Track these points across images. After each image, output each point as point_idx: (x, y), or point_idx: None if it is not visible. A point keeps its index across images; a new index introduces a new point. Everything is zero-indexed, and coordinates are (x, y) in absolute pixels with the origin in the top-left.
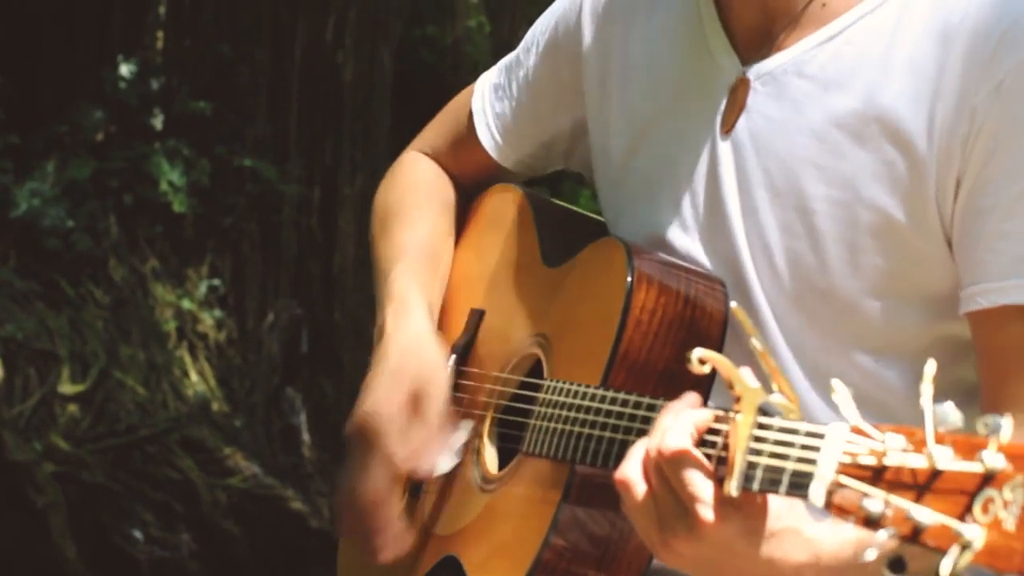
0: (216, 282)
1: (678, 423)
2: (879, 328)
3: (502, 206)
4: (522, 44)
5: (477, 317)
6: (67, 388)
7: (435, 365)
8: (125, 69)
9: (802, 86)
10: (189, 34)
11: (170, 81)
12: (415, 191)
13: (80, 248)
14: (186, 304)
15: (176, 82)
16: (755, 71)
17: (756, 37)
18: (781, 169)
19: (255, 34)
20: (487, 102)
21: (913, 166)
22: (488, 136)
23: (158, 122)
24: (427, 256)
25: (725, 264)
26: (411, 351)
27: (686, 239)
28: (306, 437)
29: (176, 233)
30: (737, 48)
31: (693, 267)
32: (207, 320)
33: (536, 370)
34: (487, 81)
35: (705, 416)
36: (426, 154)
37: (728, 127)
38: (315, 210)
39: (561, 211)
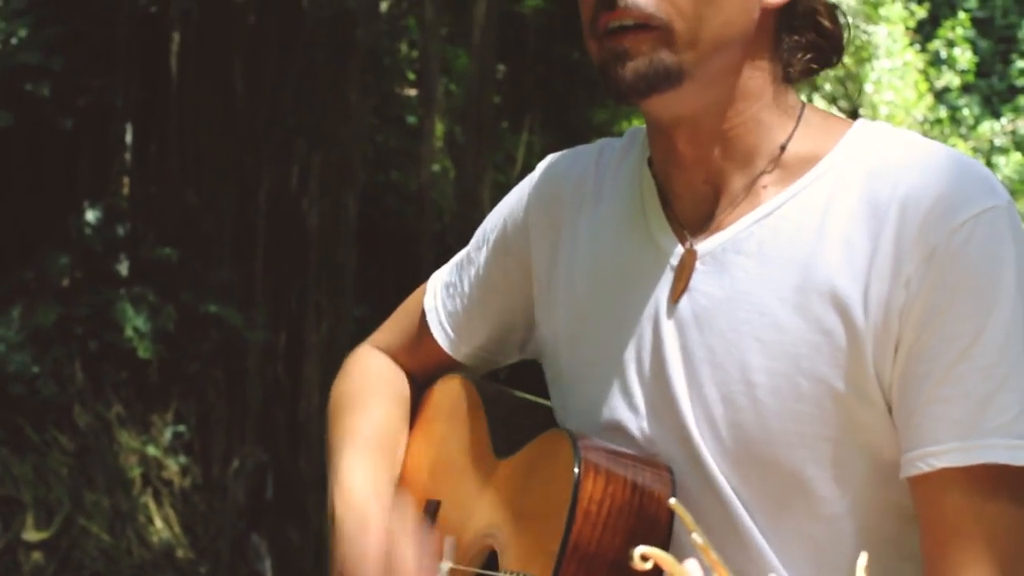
0: (181, 428)
1: None
2: (828, 496)
3: (453, 397)
4: (472, 241)
5: (434, 508)
6: (31, 535)
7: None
8: (91, 215)
9: (742, 263)
10: (155, 181)
11: (136, 227)
12: (369, 382)
13: (45, 394)
14: (151, 450)
15: (142, 228)
16: (697, 251)
17: (698, 219)
18: (724, 345)
19: (220, 181)
20: (439, 300)
21: (852, 337)
22: (441, 332)
23: (124, 268)
24: (378, 442)
25: (675, 440)
26: (357, 541)
27: (635, 418)
28: None
29: (141, 379)
30: (679, 231)
31: (640, 454)
32: (172, 466)
33: (492, 562)
34: (439, 279)
35: None
36: (381, 349)
37: (674, 301)
38: (280, 357)
39: (511, 400)
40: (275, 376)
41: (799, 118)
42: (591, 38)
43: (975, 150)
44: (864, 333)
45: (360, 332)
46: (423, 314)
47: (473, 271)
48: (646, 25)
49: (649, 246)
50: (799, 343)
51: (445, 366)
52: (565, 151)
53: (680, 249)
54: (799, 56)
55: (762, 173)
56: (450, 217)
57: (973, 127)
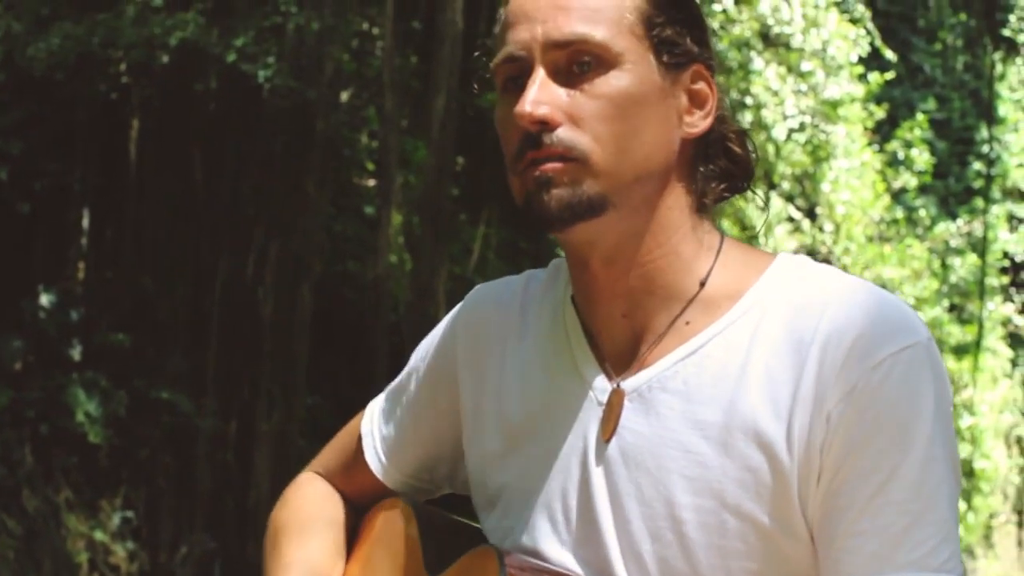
0: (130, 514)
1: None
2: None
3: (389, 519)
4: (406, 369)
5: None
6: None
7: None
8: (45, 299)
9: (668, 400)
10: (110, 266)
11: (90, 312)
12: (307, 510)
13: None
14: (99, 535)
15: (96, 313)
16: (624, 389)
17: (623, 356)
18: (651, 481)
19: (176, 268)
20: (375, 425)
21: (776, 472)
22: (375, 459)
23: (77, 353)
24: (314, 572)
25: (599, 573)
26: None
27: (560, 551)
28: None
29: (91, 464)
30: (605, 366)
31: (564, 571)
32: (120, 552)
33: None
34: (376, 405)
35: None
36: (320, 474)
37: (607, 438)
38: (231, 445)
39: (446, 521)
40: (225, 464)
41: (719, 251)
42: (513, 175)
43: (931, 251)
44: (788, 469)
45: (312, 421)
46: (359, 439)
47: (405, 399)
48: (565, 157)
49: (577, 381)
50: (724, 480)
51: (379, 492)
52: (492, 282)
53: (608, 386)
54: (713, 186)
55: (684, 308)
56: (405, 309)
57: (929, 228)
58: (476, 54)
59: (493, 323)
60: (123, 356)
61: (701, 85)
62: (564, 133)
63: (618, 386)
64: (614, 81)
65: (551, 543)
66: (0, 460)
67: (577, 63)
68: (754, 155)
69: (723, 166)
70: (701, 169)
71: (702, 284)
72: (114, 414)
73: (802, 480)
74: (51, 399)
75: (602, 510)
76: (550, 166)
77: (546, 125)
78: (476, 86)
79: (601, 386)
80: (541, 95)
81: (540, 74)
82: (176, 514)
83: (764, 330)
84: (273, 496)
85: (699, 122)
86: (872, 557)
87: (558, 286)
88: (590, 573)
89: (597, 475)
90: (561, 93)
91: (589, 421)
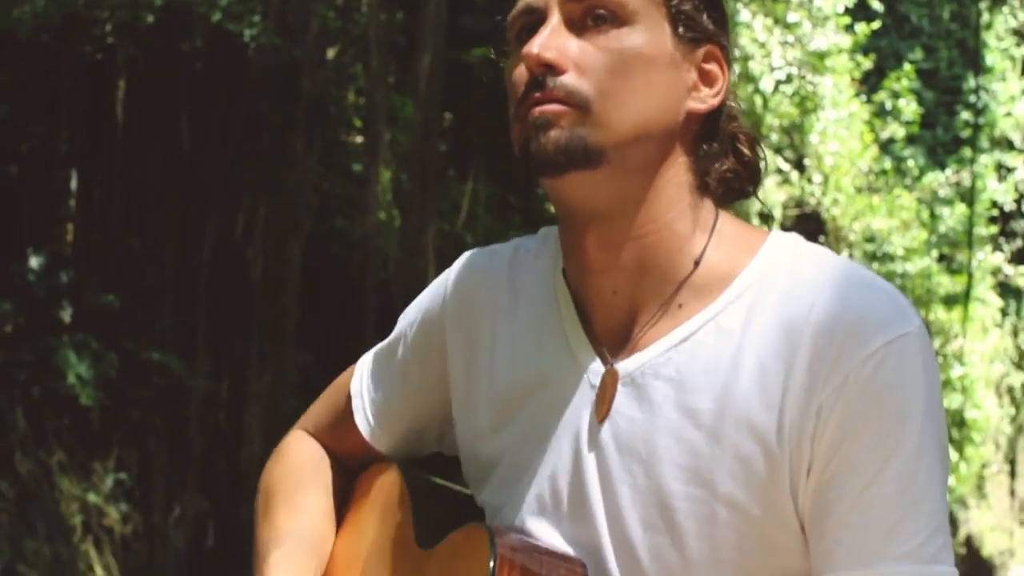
0: (122, 476)
1: None
2: None
3: (381, 487)
4: (394, 332)
5: None
6: None
7: None
8: (35, 261)
9: (660, 387)
10: (99, 228)
11: (79, 274)
12: (298, 473)
13: None
14: (92, 498)
15: (85, 275)
16: (618, 372)
17: (616, 337)
18: (643, 468)
19: (165, 228)
20: (364, 387)
21: (768, 462)
22: (364, 421)
23: (67, 315)
24: (306, 541)
25: (588, 557)
26: None
27: (550, 531)
28: None
29: (83, 426)
30: (598, 347)
31: (556, 550)
32: (113, 514)
33: None
34: (366, 365)
35: None
36: (310, 432)
37: (600, 420)
38: (222, 405)
39: (438, 490)
40: (217, 424)
41: (712, 230)
42: (515, 122)
43: (920, 201)
44: (780, 458)
45: (303, 380)
46: (348, 399)
47: (394, 365)
48: (566, 101)
49: (569, 361)
50: (716, 469)
51: (369, 453)
52: (480, 249)
53: (601, 368)
54: (716, 167)
55: (677, 290)
56: (394, 266)
57: (918, 178)
58: (499, 17)
59: (482, 293)
60: (113, 318)
61: (713, 66)
62: (569, 79)
63: (611, 368)
64: (626, 37)
65: (540, 524)
66: None
67: (592, 16)
68: (762, 161)
69: (731, 165)
70: (705, 149)
71: (696, 264)
72: (105, 376)
73: (793, 470)
74: (42, 362)
75: (593, 494)
76: (550, 108)
77: (552, 69)
78: (495, 54)
79: (594, 367)
80: (552, 40)
81: (555, 19)
82: (169, 475)
83: (756, 317)
84: (265, 455)
85: (708, 99)
86: (863, 550)
87: (547, 256)
88: (579, 555)
89: (589, 459)
90: (572, 42)
91: (581, 403)
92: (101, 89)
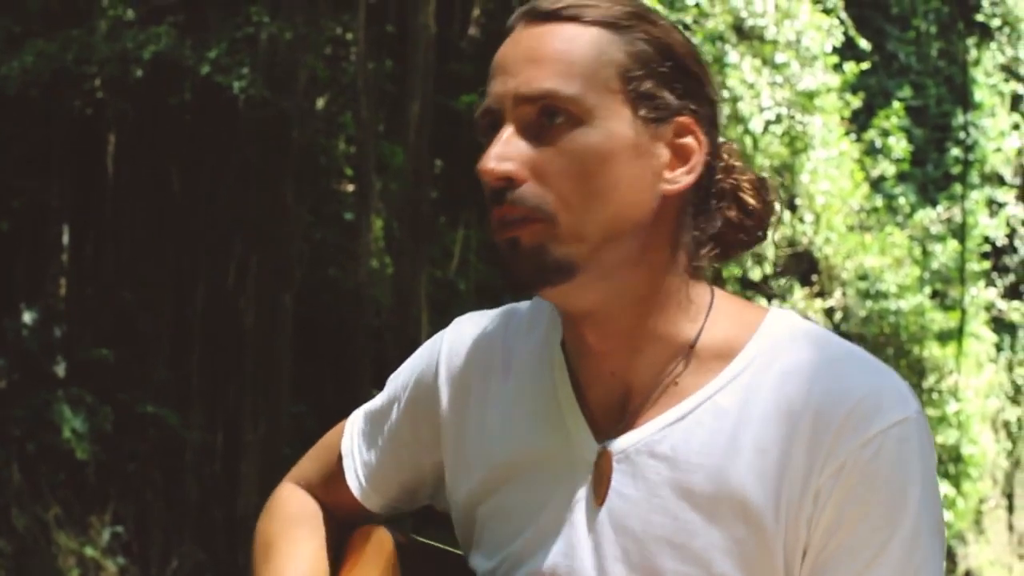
0: (119, 529)
1: None
2: None
3: (371, 551)
4: (385, 393)
5: None
6: None
7: None
8: (28, 316)
9: (655, 466)
10: (91, 281)
11: (72, 328)
12: (294, 523)
13: None
14: (89, 551)
15: (79, 329)
16: (612, 452)
17: (612, 414)
18: (637, 546)
19: (157, 281)
20: (355, 447)
21: (762, 542)
22: (355, 480)
23: (61, 369)
24: None
25: None
26: None
27: None
28: None
29: (79, 480)
30: (593, 424)
31: None
32: (111, 567)
33: None
34: (356, 423)
35: None
36: (301, 486)
37: (600, 502)
38: (218, 456)
39: (428, 554)
40: (212, 475)
41: (710, 307)
42: (494, 232)
43: (912, 238)
44: (775, 539)
45: (297, 429)
46: (339, 458)
47: (386, 428)
48: (529, 217)
49: (563, 436)
50: (711, 549)
51: (359, 511)
52: (473, 315)
53: (595, 446)
54: (706, 250)
55: (674, 368)
56: (388, 313)
57: (909, 215)
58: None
59: (475, 359)
60: (107, 371)
61: (688, 139)
62: (528, 190)
63: (605, 448)
64: (582, 138)
65: None
66: None
67: (547, 118)
68: (772, 202)
69: (734, 217)
70: (694, 225)
71: (691, 347)
72: (100, 429)
73: (788, 550)
74: (37, 416)
75: (587, 573)
76: (516, 231)
77: (511, 181)
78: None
79: (589, 445)
80: (505, 150)
81: (508, 130)
82: (165, 527)
83: (754, 397)
84: (261, 504)
85: (681, 178)
86: None
87: (542, 327)
88: None
89: (584, 536)
90: (529, 148)
91: (577, 481)
92: (91, 143)
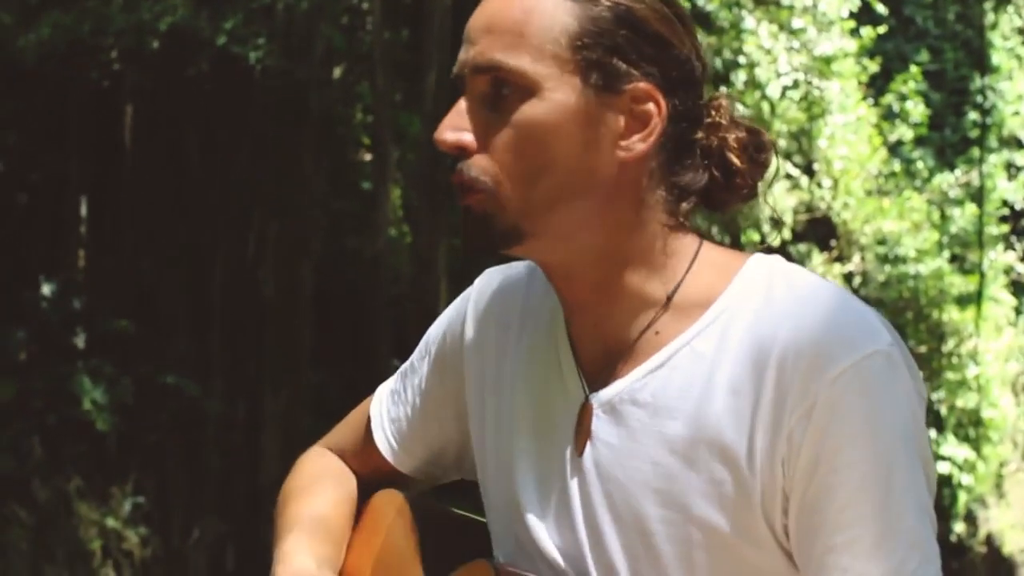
0: (141, 499)
1: None
2: None
3: (387, 514)
4: (417, 350)
5: None
6: None
7: None
8: (47, 289)
9: (636, 413)
10: (110, 253)
11: (92, 300)
12: (318, 478)
13: (3, 470)
14: (111, 522)
15: (98, 301)
16: (597, 399)
17: (599, 366)
18: (622, 494)
19: (176, 252)
20: (384, 407)
21: (739, 483)
22: (384, 442)
23: (81, 341)
24: (324, 527)
25: None
26: None
27: (554, 556)
28: None
29: (100, 451)
30: (584, 376)
31: None
32: (132, 538)
33: None
34: (386, 387)
35: None
36: (333, 451)
37: (580, 452)
38: (239, 426)
39: (448, 519)
40: (234, 446)
41: (694, 258)
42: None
43: (930, 202)
44: (750, 480)
45: (318, 399)
46: (369, 420)
47: (416, 380)
48: (474, 186)
49: (560, 390)
50: (690, 492)
51: (391, 476)
52: (500, 268)
53: (583, 395)
54: (687, 204)
55: (654, 319)
56: (407, 282)
57: (927, 179)
58: None
59: (496, 312)
60: (127, 342)
61: (648, 105)
62: (476, 161)
63: (587, 400)
64: (528, 109)
65: (547, 547)
66: (9, 451)
67: (498, 88)
68: (765, 160)
69: (718, 176)
70: (668, 191)
71: (669, 296)
72: (121, 401)
73: (765, 491)
74: (57, 389)
75: (578, 521)
76: (466, 199)
77: (463, 151)
78: None
79: (579, 395)
80: (456, 120)
81: (462, 101)
82: (187, 498)
83: (729, 339)
84: (283, 475)
85: (635, 145)
86: (846, 571)
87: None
88: None
89: (573, 485)
90: (483, 118)
91: (567, 433)
92: (109, 115)
